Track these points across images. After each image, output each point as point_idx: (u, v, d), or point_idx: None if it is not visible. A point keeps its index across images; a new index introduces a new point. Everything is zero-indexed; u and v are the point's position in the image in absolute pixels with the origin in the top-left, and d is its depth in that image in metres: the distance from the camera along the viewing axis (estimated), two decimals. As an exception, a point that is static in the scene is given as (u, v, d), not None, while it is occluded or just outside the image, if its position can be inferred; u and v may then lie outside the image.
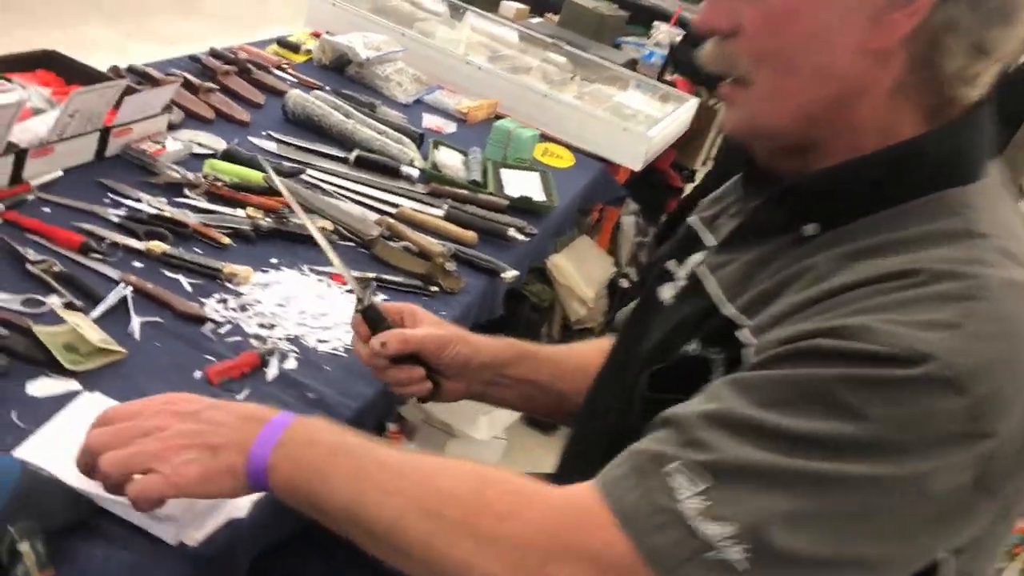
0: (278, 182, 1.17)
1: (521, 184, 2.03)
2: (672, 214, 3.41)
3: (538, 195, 2.01)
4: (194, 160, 1.66)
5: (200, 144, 1.71)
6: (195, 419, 0.86)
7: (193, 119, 1.81)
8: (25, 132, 1.39)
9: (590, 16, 3.41)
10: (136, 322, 1.18)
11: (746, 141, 0.89)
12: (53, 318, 1.11)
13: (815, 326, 0.73)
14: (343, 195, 1.73)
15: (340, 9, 2.66)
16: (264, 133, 1.88)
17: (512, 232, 1.79)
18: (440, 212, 1.77)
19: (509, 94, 2.52)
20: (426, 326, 1.15)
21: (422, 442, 2.36)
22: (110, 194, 1.45)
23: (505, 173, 2.06)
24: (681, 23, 3.58)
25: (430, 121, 2.31)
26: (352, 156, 1.85)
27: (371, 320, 1.12)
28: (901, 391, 0.69)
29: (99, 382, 1.06)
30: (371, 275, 1.47)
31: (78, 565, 0.83)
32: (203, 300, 1.28)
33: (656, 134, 2.54)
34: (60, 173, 1.43)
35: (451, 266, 1.57)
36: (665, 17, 3.59)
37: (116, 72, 1.74)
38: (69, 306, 1.16)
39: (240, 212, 1.53)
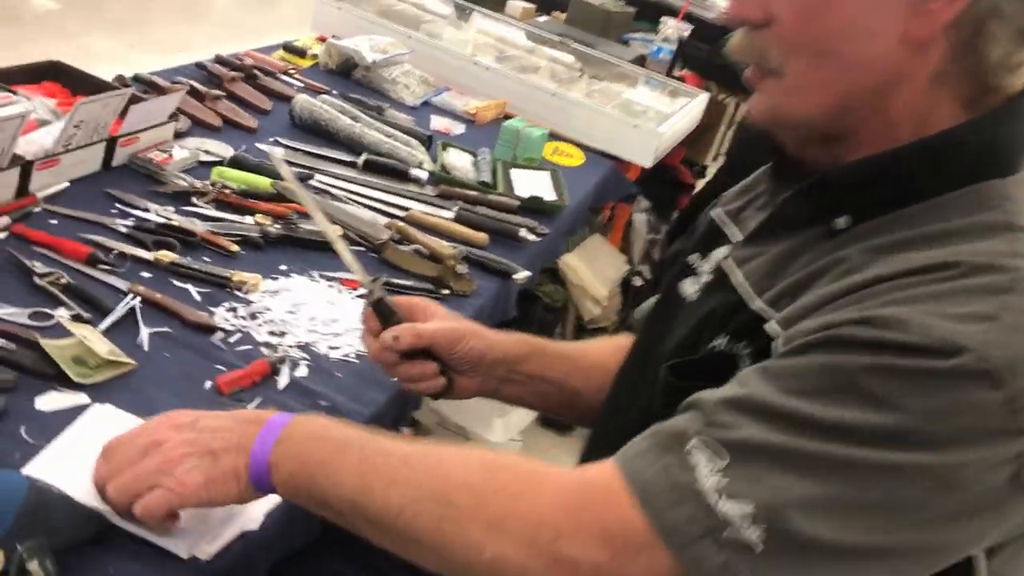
0: (286, 173, 1.14)
1: (531, 184, 2.01)
2: (684, 210, 3.38)
3: (549, 194, 1.99)
4: (202, 168, 1.65)
5: (207, 152, 1.70)
6: (192, 429, 0.85)
7: (200, 127, 1.80)
8: (30, 144, 1.38)
9: (597, 13, 3.38)
10: (145, 333, 1.17)
11: (772, 130, 0.87)
12: (61, 331, 1.10)
13: (846, 316, 0.71)
14: (352, 200, 1.71)
15: (346, 13, 2.65)
16: (271, 139, 1.87)
17: (523, 232, 1.77)
18: (450, 214, 1.75)
19: (517, 94, 2.50)
20: (439, 320, 1.13)
21: (438, 446, 2.35)
22: (117, 204, 1.44)
23: (515, 173, 2.04)
24: (689, 18, 3.55)
25: (438, 123, 2.29)
26: (360, 160, 1.84)
27: (382, 314, 1.09)
28: (933, 382, 0.67)
29: (109, 395, 1.05)
30: (392, 282, 1.45)
31: (89, 582, 0.81)
32: (212, 309, 1.27)
33: (666, 130, 2.52)
34: (67, 184, 1.42)
35: (462, 268, 1.55)
36: (673, 12, 3.56)
37: (121, 81, 1.73)
38: (77, 318, 1.15)
39: (248, 219, 1.52)
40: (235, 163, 1.68)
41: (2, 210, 1.30)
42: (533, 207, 1.91)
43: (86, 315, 1.16)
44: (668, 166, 3.21)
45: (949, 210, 0.76)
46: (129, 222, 1.39)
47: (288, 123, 1.96)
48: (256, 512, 0.93)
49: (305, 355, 1.24)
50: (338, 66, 2.38)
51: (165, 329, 1.20)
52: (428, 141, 2.04)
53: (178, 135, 1.69)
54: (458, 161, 2.00)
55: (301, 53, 2.42)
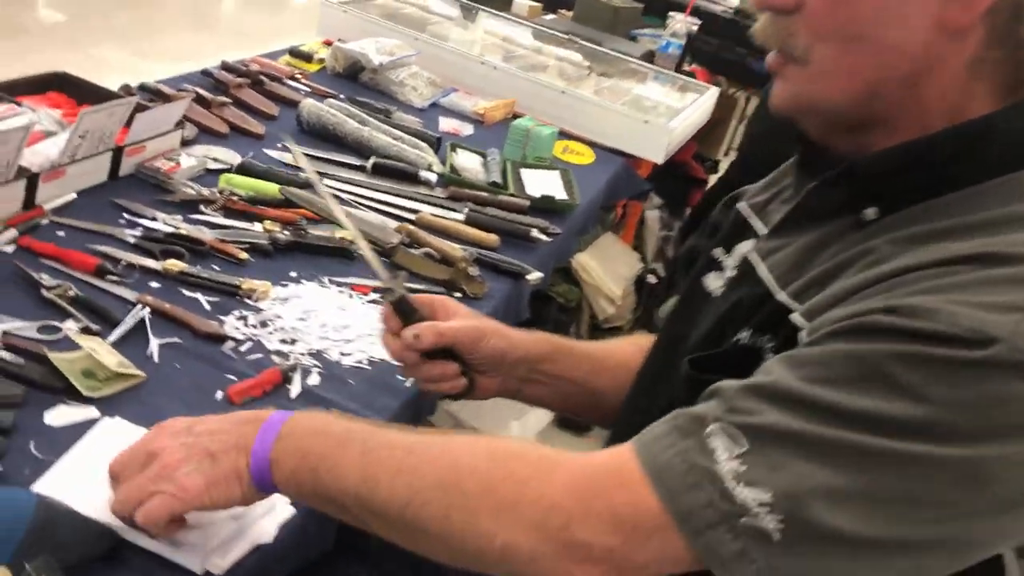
0: (308, 168, 1.11)
1: (542, 183, 1.99)
2: (697, 206, 3.36)
3: (560, 194, 1.97)
4: (210, 176, 1.64)
5: (215, 159, 1.69)
6: (189, 434, 0.84)
7: (207, 134, 1.79)
8: (36, 156, 1.37)
9: (604, 10, 3.36)
10: (154, 344, 1.16)
11: (796, 118, 0.84)
12: (70, 344, 1.09)
13: (873, 305, 0.69)
14: (361, 204, 1.70)
15: (352, 16, 2.64)
16: (279, 145, 1.85)
17: (535, 233, 1.75)
18: (460, 216, 1.74)
19: (526, 93, 2.48)
20: (460, 318, 1.09)
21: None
22: (125, 214, 1.43)
23: (525, 173, 2.02)
24: (697, 12, 3.53)
25: (447, 124, 2.27)
26: (369, 164, 1.82)
27: (403, 312, 1.06)
28: (962, 373, 0.64)
29: (119, 407, 1.03)
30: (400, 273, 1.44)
31: (101, 599, 0.80)
32: (222, 318, 1.26)
33: (677, 125, 2.49)
34: (73, 196, 1.41)
35: (474, 271, 1.54)
36: (680, 7, 3.53)
37: (127, 90, 1.72)
38: (86, 331, 1.13)
39: (257, 226, 1.51)
40: (243, 170, 1.67)
41: (9, 223, 1.29)
42: (544, 207, 1.89)
43: (95, 327, 1.15)
44: (679, 162, 3.19)
45: (983, 200, 0.74)
46: (137, 232, 1.38)
47: (295, 128, 1.95)
48: (269, 525, 0.92)
49: (317, 362, 1.23)
50: (345, 70, 2.37)
51: (175, 340, 1.18)
52: (437, 143, 2.03)
53: (185, 143, 1.68)
54: (467, 162, 1.98)
55: (307, 58, 2.41)
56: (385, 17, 2.71)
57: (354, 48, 2.35)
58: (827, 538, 0.66)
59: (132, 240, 1.36)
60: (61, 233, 1.33)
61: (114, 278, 1.26)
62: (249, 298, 1.32)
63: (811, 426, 0.67)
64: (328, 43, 2.50)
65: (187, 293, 1.29)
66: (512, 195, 1.88)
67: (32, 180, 1.33)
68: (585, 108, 2.45)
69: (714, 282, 0.93)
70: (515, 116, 2.35)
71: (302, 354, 1.23)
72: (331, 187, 1.72)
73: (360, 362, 1.26)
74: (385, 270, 1.06)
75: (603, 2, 3.38)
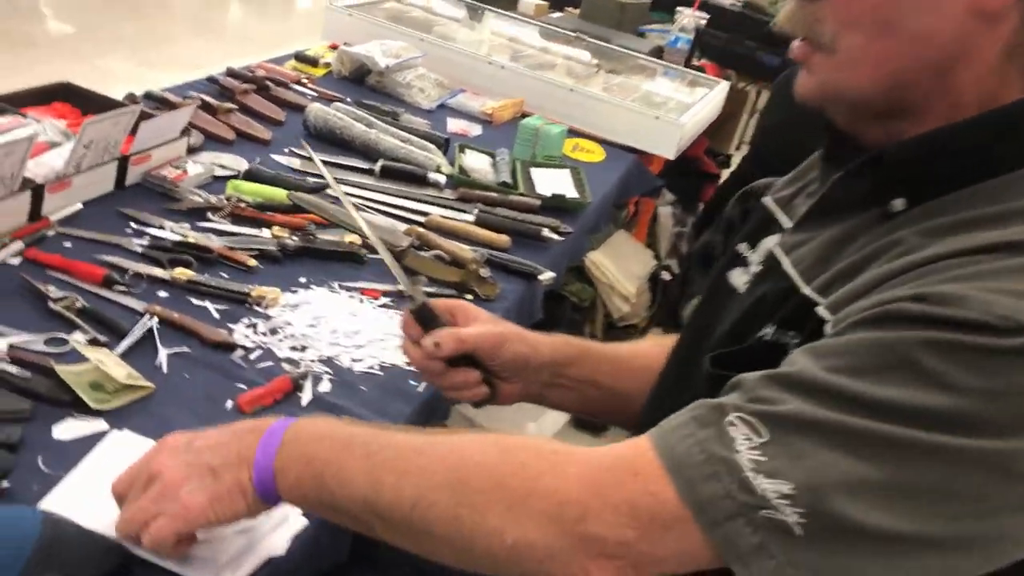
0: (328, 177, 1.09)
1: (552, 182, 1.97)
2: (711, 201, 3.33)
3: (571, 192, 1.95)
4: (217, 183, 1.63)
5: (222, 166, 1.68)
6: (188, 450, 0.82)
7: (214, 141, 1.78)
8: (41, 167, 1.36)
9: (611, 6, 3.34)
10: (163, 354, 1.14)
11: (822, 107, 0.82)
12: (77, 356, 1.08)
13: (900, 293, 0.67)
14: (370, 207, 1.68)
15: (357, 20, 2.62)
16: (287, 150, 1.84)
17: (546, 232, 1.73)
18: (470, 217, 1.72)
19: (534, 91, 2.46)
20: (480, 323, 1.06)
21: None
22: (132, 224, 1.42)
23: (535, 172, 2.00)
24: (704, 6, 3.50)
25: (455, 125, 2.26)
26: (377, 167, 1.81)
27: (423, 319, 1.03)
28: (993, 361, 0.62)
29: (128, 419, 1.02)
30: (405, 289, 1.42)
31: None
32: (232, 326, 1.24)
33: (688, 120, 2.47)
34: (80, 206, 1.40)
35: (485, 272, 1.52)
36: (688, 2, 3.51)
37: (132, 99, 1.71)
38: (93, 342, 1.12)
39: (266, 232, 1.49)
40: (250, 176, 1.66)
41: (15, 235, 1.28)
42: (555, 206, 1.87)
43: (103, 338, 1.13)
44: (691, 157, 3.16)
45: (1015, 188, 0.71)
46: (144, 241, 1.37)
47: (302, 133, 1.94)
48: (281, 538, 0.90)
49: (328, 369, 1.21)
50: (351, 73, 2.36)
51: (184, 349, 1.17)
52: (445, 144, 2.01)
53: (192, 150, 1.67)
54: (476, 163, 1.96)
55: (313, 62, 2.40)
56: (391, 20, 2.69)
57: (360, 51, 2.34)
58: (851, 532, 0.63)
59: (139, 249, 1.35)
60: (68, 244, 1.32)
61: (122, 288, 1.25)
62: (258, 305, 1.30)
63: (835, 415, 0.64)
64: (334, 47, 2.49)
65: (195, 302, 1.27)
66: (522, 195, 1.86)
67: (37, 191, 1.32)
68: (594, 105, 2.42)
69: (739, 278, 0.90)
70: (524, 115, 2.33)
71: (313, 361, 1.22)
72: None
73: (372, 368, 1.24)
74: (405, 277, 1.04)
75: (610, -2, 3.36)
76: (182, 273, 1.30)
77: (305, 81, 2.23)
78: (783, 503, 0.63)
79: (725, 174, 3.64)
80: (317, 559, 0.95)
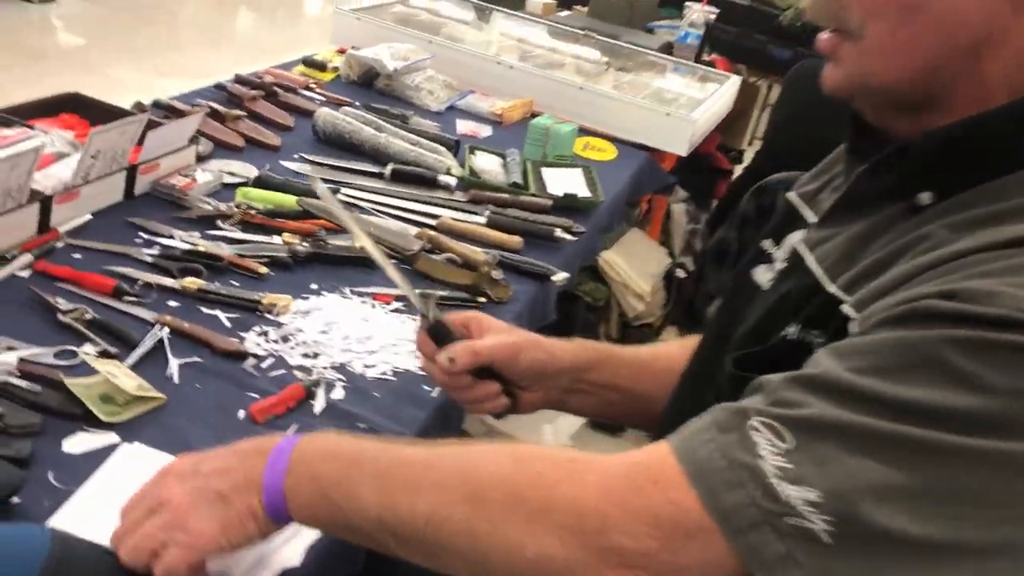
0: (323, 193, 1.07)
1: (564, 182, 1.95)
2: (724, 198, 3.31)
3: (583, 191, 1.93)
4: (227, 190, 1.62)
5: (231, 173, 1.67)
6: (194, 476, 0.80)
7: (223, 148, 1.77)
8: (49, 178, 1.35)
9: (620, 3, 3.32)
10: (174, 364, 1.13)
11: (850, 99, 0.79)
12: (87, 369, 1.07)
13: (926, 290, 0.64)
14: (381, 211, 1.67)
15: (365, 23, 2.61)
16: (296, 155, 1.83)
17: (559, 232, 1.71)
18: (482, 219, 1.70)
19: (543, 91, 2.44)
20: (495, 334, 1.04)
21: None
22: (141, 233, 1.41)
23: (546, 172, 1.98)
24: (714, 1, 3.47)
25: (464, 127, 2.24)
26: (387, 170, 1.79)
27: (437, 336, 1.01)
28: None
29: (140, 432, 1.01)
30: (418, 294, 1.40)
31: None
32: (243, 335, 1.23)
33: (700, 116, 2.45)
34: (89, 217, 1.40)
35: (497, 274, 1.50)
36: (697, -3, 3.48)
37: (140, 108, 1.70)
38: (104, 354, 1.11)
39: (276, 239, 1.48)
40: (260, 183, 1.65)
41: (24, 247, 1.27)
42: (567, 205, 1.85)
43: (113, 350, 1.12)
44: (704, 154, 3.14)
45: None
46: (154, 251, 1.36)
47: (312, 138, 1.93)
48: (296, 549, 0.88)
49: (341, 376, 1.20)
50: (360, 77, 2.35)
51: (195, 359, 1.16)
52: (455, 146, 2.00)
53: (201, 158, 1.66)
54: (487, 164, 1.95)
55: (321, 67, 2.39)
56: (398, 23, 2.68)
57: (368, 55, 2.33)
58: (880, 540, 0.61)
59: (149, 259, 1.34)
60: (77, 255, 1.31)
61: (132, 299, 1.24)
62: (270, 313, 1.29)
63: (861, 418, 0.62)
64: (342, 51, 2.48)
65: (206, 311, 1.26)
66: (534, 195, 1.84)
67: (46, 203, 1.32)
68: (605, 103, 2.41)
69: (763, 275, 0.88)
70: (533, 115, 2.31)
71: (325, 368, 1.20)
72: (350, 196, 1.69)
73: (385, 373, 1.23)
74: (417, 296, 1.02)
75: (618, -4, 3.34)
76: (192, 282, 1.29)
77: (313, 86, 2.22)
78: (809, 510, 0.61)
79: (738, 170, 3.61)
80: (331, 571, 0.94)
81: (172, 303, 1.26)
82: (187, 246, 1.39)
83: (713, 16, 3.34)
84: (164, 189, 1.52)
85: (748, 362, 0.77)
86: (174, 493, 0.79)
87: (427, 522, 0.71)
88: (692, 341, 1.03)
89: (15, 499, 0.87)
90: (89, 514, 0.87)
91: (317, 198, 1.61)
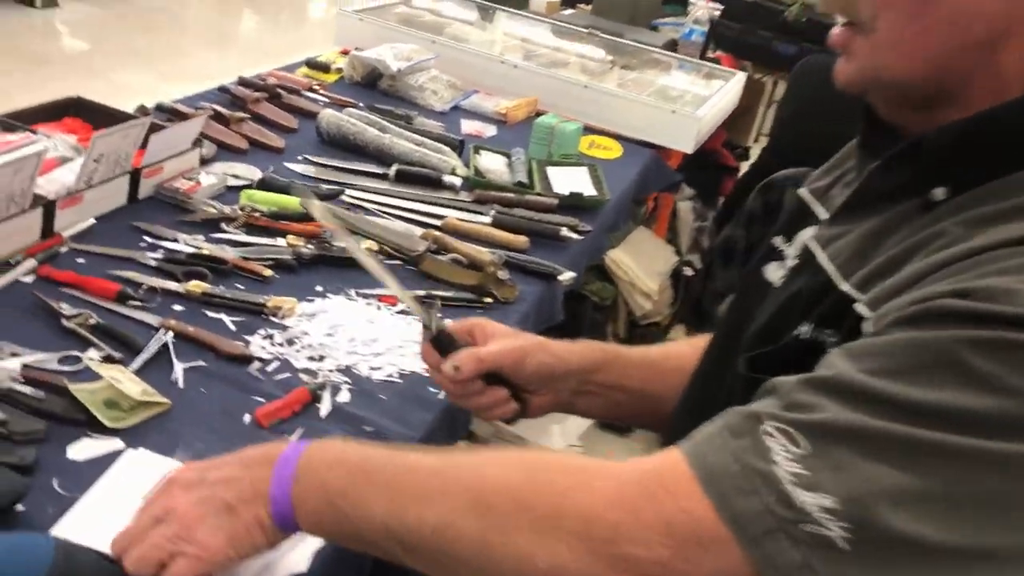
0: (316, 210, 1.07)
1: (569, 180, 1.94)
2: (731, 195, 3.29)
3: (588, 190, 1.92)
4: (231, 193, 1.61)
5: (235, 176, 1.66)
6: (201, 485, 0.79)
7: (226, 151, 1.76)
8: (52, 183, 1.35)
9: (624, 1, 3.31)
10: (179, 369, 1.13)
11: (864, 94, 0.78)
12: (91, 375, 1.06)
13: (940, 289, 0.63)
14: (385, 212, 1.66)
15: (368, 24, 2.60)
16: (300, 157, 1.82)
17: (565, 232, 1.70)
18: (487, 219, 1.69)
19: (548, 89, 2.43)
20: (499, 339, 1.04)
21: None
22: (146, 237, 1.41)
23: (552, 171, 1.97)
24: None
25: (469, 126, 2.23)
26: (392, 171, 1.78)
27: (441, 346, 1.01)
28: None
29: (144, 437, 1.00)
30: (432, 295, 1.39)
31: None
32: (248, 338, 1.22)
33: (706, 113, 2.43)
34: (92, 221, 1.39)
35: (503, 274, 1.49)
36: (701, -7, 3.47)
37: (143, 111, 1.70)
38: (108, 359, 1.10)
39: (281, 241, 1.47)
40: (264, 185, 1.64)
41: (27, 252, 1.26)
42: (573, 204, 1.84)
43: (117, 355, 1.12)
44: (710, 151, 3.13)
45: None
46: (158, 254, 1.36)
47: (316, 140, 1.92)
48: (303, 554, 0.88)
49: (346, 378, 1.19)
50: (363, 78, 2.34)
51: (200, 363, 1.15)
52: (460, 146, 1.99)
53: (204, 161, 1.66)
54: (492, 164, 1.94)
55: (325, 68, 2.38)
56: (401, 23, 2.67)
57: (371, 55, 2.32)
58: (900, 546, 0.59)
59: (154, 263, 1.33)
60: (81, 260, 1.31)
61: (136, 303, 1.23)
62: (275, 316, 1.28)
63: (876, 422, 0.60)
64: (345, 52, 2.47)
65: (211, 314, 1.26)
66: (539, 194, 1.83)
67: (49, 208, 1.31)
68: (610, 101, 2.39)
69: (775, 272, 0.87)
70: (538, 114, 2.30)
71: (331, 371, 1.20)
72: (354, 197, 1.68)
73: (391, 376, 1.22)
74: (420, 307, 1.01)
75: (622, -7, 3.33)
76: (197, 286, 1.28)
77: (317, 87, 2.22)
78: (826, 517, 0.60)
79: (744, 167, 3.60)
80: None
81: (177, 307, 1.25)
82: (191, 249, 1.39)
83: (717, 12, 3.33)
84: (168, 192, 1.52)
85: (760, 363, 0.76)
86: (180, 503, 0.78)
87: (435, 531, 0.70)
88: (702, 340, 1.02)
89: (19, 507, 0.87)
90: (94, 522, 0.86)
91: (324, 199, 1.60)
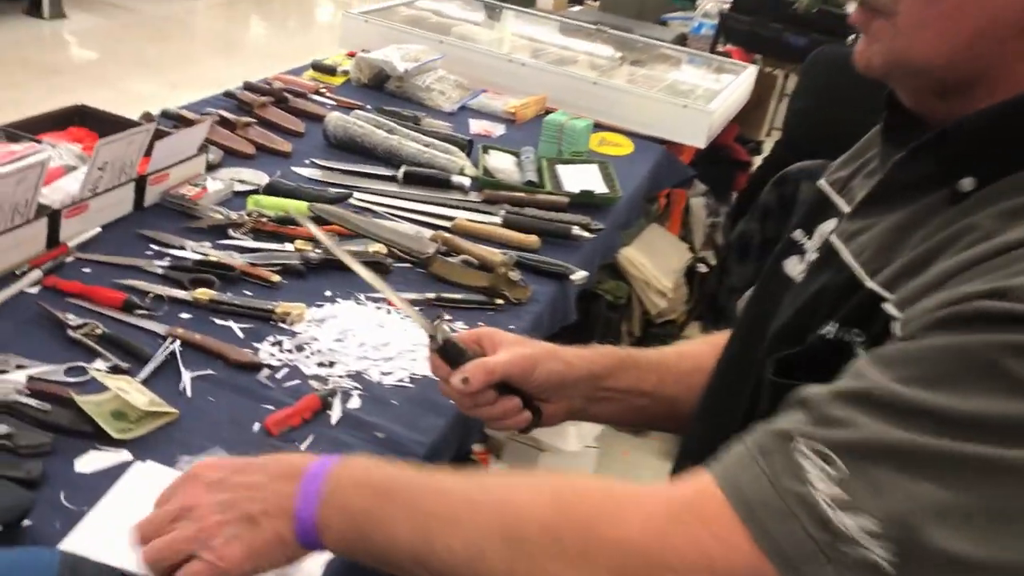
0: (312, 228, 1.04)
1: (580, 178, 1.92)
2: (745, 189, 3.26)
3: (600, 187, 1.90)
4: (238, 199, 1.59)
5: (242, 181, 1.65)
6: (224, 487, 0.77)
7: (233, 156, 1.75)
8: (57, 192, 1.33)
9: (631, -3, 3.29)
10: (187, 378, 1.11)
11: (886, 80, 0.75)
12: (98, 386, 1.04)
13: (972, 289, 0.60)
14: (394, 215, 1.64)
15: (374, 25, 2.59)
16: (308, 161, 1.81)
17: (576, 230, 1.68)
18: (497, 219, 1.67)
19: (557, 87, 2.41)
20: (508, 348, 1.01)
21: (510, 459, 2.27)
22: (152, 245, 1.39)
23: (562, 169, 1.95)
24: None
25: (477, 126, 2.21)
26: (400, 173, 1.77)
27: (449, 357, 0.98)
28: None
29: (152, 448, 0.99)
30: (443, 298, 1.37)
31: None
32: (256, 345, 1.21)
33: (717, 107, 2.40)
34: (98, 230, 1.38)
35: (515, 275, 1.47)
36: (710, -13, 3.44)
37: (147, 118, 1.68)
38: (115, 369, 1.09)
39: (288, 246, 1.46)
40: (271, 190, 1.62)
41: (33, 263, 1.25)
42: (584, 202, 1.82)
43: (124, 365, 1.10)
44: (722, 146, 3.10)
45: None
46: (165, 262, 1.34)
47: (323, 143, 1.90)
48: (316, 563, 0.85)
49: (357, 384, 1.17)
50: (370, 80, 2.32)
51: (208, 372, 1.13)
52: (468, 146, 1.97)
53: (211, 167, 1.64)
54: (501, 163, 1.92)
55: (331, 71, 2.36)
56: (408, 24, 2.66)
57: (378, 57, 2.30)
58: (946, 565, 0.56)
59: (160, 271, 1.32)
60: (87, 270, 1.29)
61: (143, 312, 1.21)
62: (283, 322, 1.26)
63: (915, 436, 0.57)
64: (351, 55, 2.46)
65: (219, 322, 1.24)
66: (550, 193, 1.81)
67: (54, 217, 1.30)
68: (620, 97, 2.37)
69: (795, 267, 0.84)
70: (547, 112, 2.28)
71: (341, 377, 1.18)
72: (362, 199, 1.66)
73: (402, 380, 1.20)
74: (425, 319, 0.99)
75: (630, -11, 3.31)
76: (204, 293, 1.27)
77: (324, 90, 2.20)
78: (869, 539, 0.57)
79: (757, 161, 3.57)
80: (352, 587, 0.91)
81: (184, 315, 1.24)
82: (198, 256, 1.37)
83: (727, 6, 3.30)
84: (174, 199, 1.50)
85: (786, 367, 0.73)
86: (202, 502, 0.76)
87: (463, 558, 0.68)
88: (719, 338, 0.99)
89: (26, 521, 0.85)
90: (101, 536, 0.84)
91: (329, 203, 1.58)
